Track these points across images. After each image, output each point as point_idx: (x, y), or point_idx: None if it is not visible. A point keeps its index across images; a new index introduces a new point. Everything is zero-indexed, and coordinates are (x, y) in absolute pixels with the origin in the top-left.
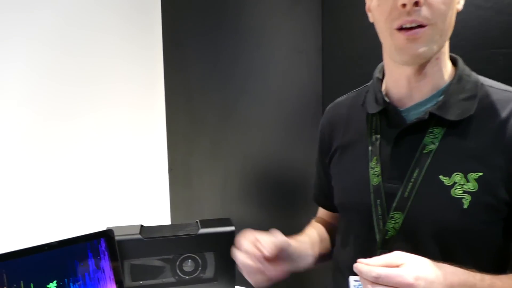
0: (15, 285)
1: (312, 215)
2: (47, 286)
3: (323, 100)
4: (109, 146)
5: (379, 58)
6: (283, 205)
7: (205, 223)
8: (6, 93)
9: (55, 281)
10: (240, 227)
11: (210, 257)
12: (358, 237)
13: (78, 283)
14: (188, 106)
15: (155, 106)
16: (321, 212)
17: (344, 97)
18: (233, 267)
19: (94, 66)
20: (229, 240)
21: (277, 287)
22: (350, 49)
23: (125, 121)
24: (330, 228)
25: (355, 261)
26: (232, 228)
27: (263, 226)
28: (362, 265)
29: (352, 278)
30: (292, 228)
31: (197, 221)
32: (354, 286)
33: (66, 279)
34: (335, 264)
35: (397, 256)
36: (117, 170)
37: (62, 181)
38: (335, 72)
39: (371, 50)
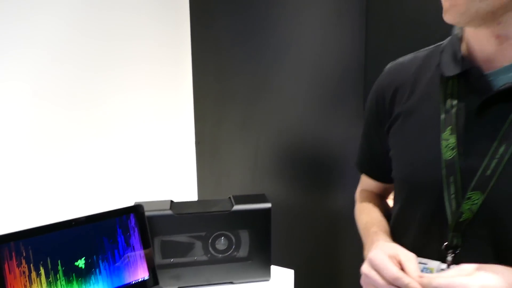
0: (41, 262)
1: (348, 192)
2: (75, 263)
3: (365, 70)
4: (135, 119)
5: (433, 22)
6: (317, 182)
7: (239, 199)
8: (34, 76)
9: (83, 258)
10: (273, 205)
11: (244, 235)
12: (423, 218)
13: (107, 260)
14: (217, 76)
15: (182, 76)
16: (367, 183)
17: (410, 56)
18: (268, 246)
19: (121, 32)
20: (264, 217)
21: (316, 271)
22: (399, 11)
23: (152, 93)
24: (382, 205)
25: (419, 245)
26: (268, 205)
27: (296, 204)
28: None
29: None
30: (326, 206)
31: (230, 197)
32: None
33: (94, 256)
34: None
35: (465, 268)
36: (142, 143)
37: (89, 157)
38: (380, 38)
39: (423, 12)
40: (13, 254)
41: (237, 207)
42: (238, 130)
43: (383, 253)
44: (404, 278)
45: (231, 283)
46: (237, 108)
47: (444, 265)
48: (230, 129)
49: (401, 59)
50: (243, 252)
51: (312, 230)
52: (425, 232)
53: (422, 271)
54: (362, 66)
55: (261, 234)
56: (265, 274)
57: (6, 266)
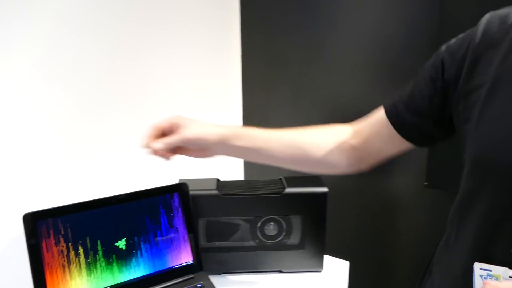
0: (80, 242)
1: (411, 178)
2: (116, 244)
3: (439, 38)
4: (179, 92)
5: None
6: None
7: (292, 182)
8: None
9: (124, 239)
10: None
11: (296, 221)
12: (495, 210)
13: (149, 242)
14: (266, 45)
15: (229, 45)
16: (374, 125)
17: (507, 9)
18: (322, 234)
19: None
20: (320, 202)
21: (371, 264)
22: None
23: (197, 63)
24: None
25: (482, 243)
26: (324, 189)
27: (351, 189)
28: None
29: (477, 266)
30: (385, 192)
31: (281, 178)
32: (481, 276)
33: (136, 237)
34: (448, 237)
35: None
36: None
37: (130, 128)
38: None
39: None
40: (51, 232)
41: (290, 189)
42: (288, 105)
43: None
44: None
45: (280, 271)
46: (287, 81)
47: None
48: (279, 104)
49: (499, 11)
50: (294, 239)
51: (369, 218)
52: (494, 228)
53: (485, 278)
54: (432, 35)
55: (315, 221)
56: (318, 264)
57: (43, 244)
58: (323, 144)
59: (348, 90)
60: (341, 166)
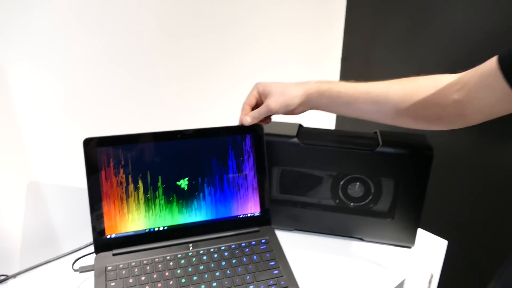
0: (140, 175)
1: None
2: (177, 183)
3: None
4: (276, 25)
5: None
6: (494, 127)
7: (389, 137)
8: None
9: (187, 178)
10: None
11: (388, 185)
12: None
13: (214, 186)
14: None
15: None
16: (484, 77)
17: None
18: (419, 205)
19: None
20: (421, 166)
21: (473, 244)
22: None
23: None
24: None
25: None
26: (429, 151)
27: (460, 154)
28: None
29: None
30: (503, 162)
31: (376, 132)
32: None
33: (200, 178)
34: None
35: None
36: (278, 54)
37: (219, 69)
38: None
39: None
40: (111, 160)
41: (385, 148)
42: (398, 47)
43: None
44: None
45: (361, 239)
46: (400, 17)
47: None
48: (386, 44)
49: None
50: (382, 205)
51: (482, 193)
52: None
53: None
54: None
55: (412, 187)
56: (408, 239)
57: (103, 172)
58: (419, 97)
59: (471, 34)
60: (441, 122)
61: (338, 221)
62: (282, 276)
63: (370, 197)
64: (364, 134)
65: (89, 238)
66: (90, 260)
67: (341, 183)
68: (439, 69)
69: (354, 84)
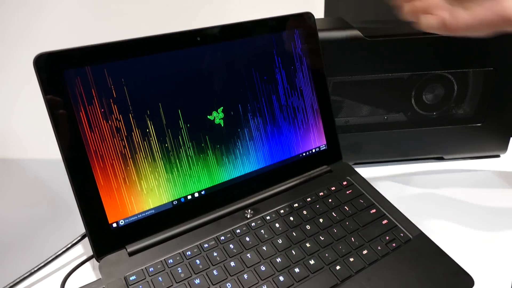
0: (148, 112)
1: None
2: (208, 116)
3: None
4: None
5: None
6: None
7: None
8: None
9: (221, 108)
10: None
11: (477, 78)
12: None
13: (261, 113)
14: None
15: None
16: None
17: None
18: None
19: None
20: None
21: None
22: None
23: None
24: None
25: None
26: None
27: None
28: None
29: None
30: None
31: None
32: None
33: (240, 105)
34: None
35: None
36: None
37: None
38: None
39: None
40: (93, 92)
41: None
42: None
43: None
44: None
45: (441, 158)
46: None
47: None
48: None
49: None
50: (468, 107)
51: None
52: None
53: None
54: None
55: (509, 77)
56: (499, 146)
57: (82, 115)
58: None
59: None
60: None
61: (412, 141)
62: (396, 225)
63: (453, 98)
64: None
65: (77, 230)
66: (88, 272)
67: (415, 88)
68: None
69: None
